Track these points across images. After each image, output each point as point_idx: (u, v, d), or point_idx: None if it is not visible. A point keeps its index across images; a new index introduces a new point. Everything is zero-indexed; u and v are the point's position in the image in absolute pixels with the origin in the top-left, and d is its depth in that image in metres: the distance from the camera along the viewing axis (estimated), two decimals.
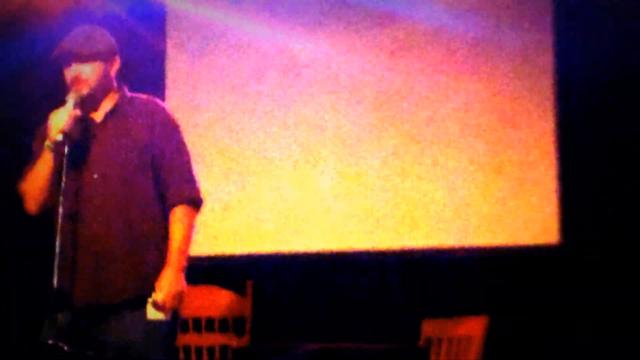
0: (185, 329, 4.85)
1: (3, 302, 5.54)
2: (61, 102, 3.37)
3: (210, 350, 4.89)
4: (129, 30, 5.52)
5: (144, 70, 5.59)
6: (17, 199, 3.44)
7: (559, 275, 4.99)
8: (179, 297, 3.33)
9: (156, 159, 3.43)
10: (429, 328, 4.60)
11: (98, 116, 3.46)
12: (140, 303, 3.30)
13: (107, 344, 3.34)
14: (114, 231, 3.35)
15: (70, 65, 3.41)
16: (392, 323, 5.15)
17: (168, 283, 3.31)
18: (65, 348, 3.21)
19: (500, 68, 5.32)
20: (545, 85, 5.24)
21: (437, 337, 4.53)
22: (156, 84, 5.69)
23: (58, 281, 3.21)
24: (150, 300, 3.28)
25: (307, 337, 4.92)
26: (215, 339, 4.90)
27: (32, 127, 3.53)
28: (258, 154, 5.64)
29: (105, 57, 3.45)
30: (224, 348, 4.86)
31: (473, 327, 4.35)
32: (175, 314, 3.36)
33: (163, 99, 5.26)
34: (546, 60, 5.24)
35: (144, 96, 3.57)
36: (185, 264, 3.38)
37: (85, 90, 3.39)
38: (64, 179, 3.28)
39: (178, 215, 3.41)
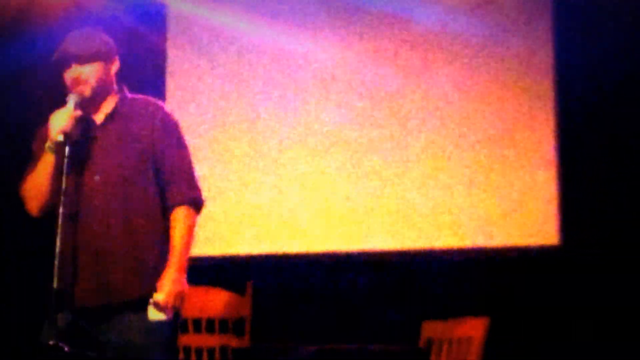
0: (185, 329, 4.84)
1: (3, 302, 5.54)
2: (61, 103, 3.37)
3: (210, 350, 4.88)
4: (129, 30, 5.52)
5: (144, 70, 5.60)
6: (18, 199, 3.44)
7: (559, 276, 4.98)
8: (180, 297, 3.33)
9: (157, 159, 3.43)
10: (429, 329, 4.59)
11: (98, 117, 3.46)
12: (140, 303, 3.30)
13: (108, 345, 3.35)
14: (114, 232, 3.35)
15: (70, 66, 3.41)
16: (392, 324, 5.14)
17: (169, 283, 3.31)
18: (66, 348, 3.21)
19: (500, 68, 5.32)
20: (545, 85, 5.24)
21: (438, 338, 4.52)
22: (156, 84, 5.69)
23: (58, 281, 3.21)
24: (151, 300, 3.28)
25: (307, 338, 4.92)
26: (215, 340, 4.89)
27: (33, 128, 3.53)
28: (258, 154, 5.64)
29: (105, 58, 3.45)
30: (223, 349, 4.85)
31: (473, 328, 4.33)
32: (176, 314, 3.36)
33: (163, 99, 5.29)
34: (546, 60, 5.24)
35: (144, 97, 3.57)
36: (186, 264, 3.38)
37: (85, 91, 3.39)
38: (64, 179, 3.28)
39: (179, 216, 3.41)
